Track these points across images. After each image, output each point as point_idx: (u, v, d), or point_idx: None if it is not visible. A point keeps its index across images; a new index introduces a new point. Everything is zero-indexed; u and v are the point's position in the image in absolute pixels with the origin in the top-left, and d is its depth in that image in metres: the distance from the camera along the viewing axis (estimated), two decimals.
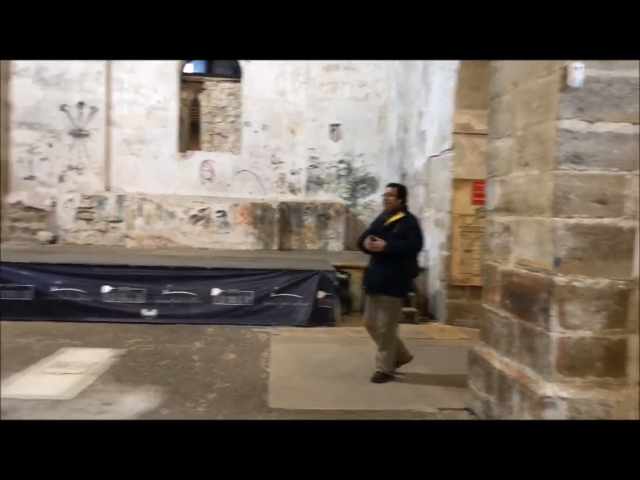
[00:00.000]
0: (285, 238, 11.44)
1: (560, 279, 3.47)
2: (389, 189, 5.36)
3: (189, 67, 13.06)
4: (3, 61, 11.34)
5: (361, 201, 12.10)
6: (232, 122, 12.76)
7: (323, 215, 11.55)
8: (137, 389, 4.77)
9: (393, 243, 5.08)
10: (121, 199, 11.43)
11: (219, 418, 4.18)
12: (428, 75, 8.97)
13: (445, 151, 8.10)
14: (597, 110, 3.48)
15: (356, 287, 8.18)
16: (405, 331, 7.45)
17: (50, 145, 11.65)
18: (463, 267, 7.92)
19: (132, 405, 4.38)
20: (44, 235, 11.55)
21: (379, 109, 12.07)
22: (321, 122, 12.06)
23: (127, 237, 11.28)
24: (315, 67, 11.89)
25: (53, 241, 11.55)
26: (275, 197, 11.94)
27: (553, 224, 3.50)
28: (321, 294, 7.52)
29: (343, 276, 8.21)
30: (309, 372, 5.46)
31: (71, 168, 11.73)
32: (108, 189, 11.85)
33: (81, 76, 11.62)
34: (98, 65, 11.59)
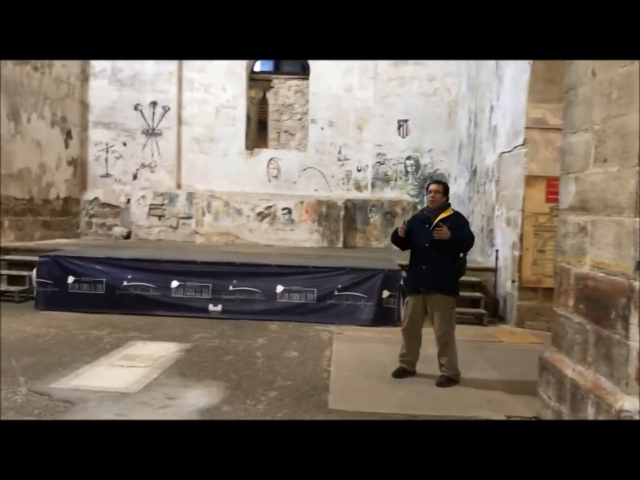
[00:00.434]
0: (349, 236, 11.38)
1: None
2: (436, 186, 5.22)
3: (257, 66, 13.20)
4: (81, 64, 11.84)
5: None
6: (299, 119, 12.80)
7: (389, 213, 11.41)
8: (199, 384, 4.83)
9: (457, 234, 4.96)
10: (190, 196, 11.71)
11: (279, 416, 4.16)
12: (500, 67, 8.64)
13: (517, 146, 7.78)
14: None
15: None
16: (473, 333, 7.25)
17: (124, 144, 12.09)
18: (536, 267, 7.58)
19: (194, 400, 4.42)
20: (118, 231, 12.01)
21: (449, 104, 11.78)
22: (389, 118, 11.90)
23: (197, 233, 11.55)
24: (383, 62, 11.73)
25: (127, 236, 12.00)
26: (341, 194, 11.88)
27: (633, 225, 3.23)
28: (386, 293, 7.40)
29: None
30: (372, 373, 5.35)
31: (143, 166, 12.12)
32: (179, 186, 12.16)
33: (154, 76, 11.98)
34: (170, 66, 11.90)
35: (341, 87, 11.97)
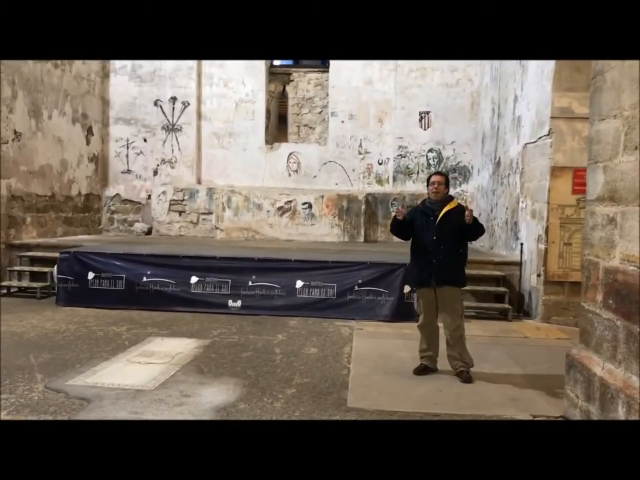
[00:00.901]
0: (371, 230, 11.24)
1: None
2: (439, 178, 5.12)
3: (277, 59, 13.09)
4: (102, 61, 11.88)
5: (451, 191, 11.60)
6: (319, 113, 12.67)
7: (411, 206, 11.20)
8: (216, 381, 4.76)
9: (478, 222, 5.03)
10: (210, 191, 11.69)
11: (296, 415, 4.06)
12: None
13: (542, 137, 7.55)
14: None
15: None
16: (497, 329, 7.08)
17: (145, 140, 12.11)
18: (562, 261, 7.36)
19: (210, 397, 4.35)
20: (139, 227, 12.04)
21: (471, 95, 11.55)
22: (410, 110, 11.71)
23: (217, 228, 11.51)
24: None
25: (148, 232, 12.03)
26: (362, 188, 11.75)
27: None
28: (407, 288, 7.24)
29: None
30: (392, 370, 5.23)
31: (164, 162, 12.13)
32: (199, 181, 12.15)
33: (173, 72, 11.97)
34: (189, 61, 11.86)
35: (361, 80, 11.81)
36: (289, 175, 12.03)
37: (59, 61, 10.44)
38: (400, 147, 11.75)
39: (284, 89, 12.89)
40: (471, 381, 4.93)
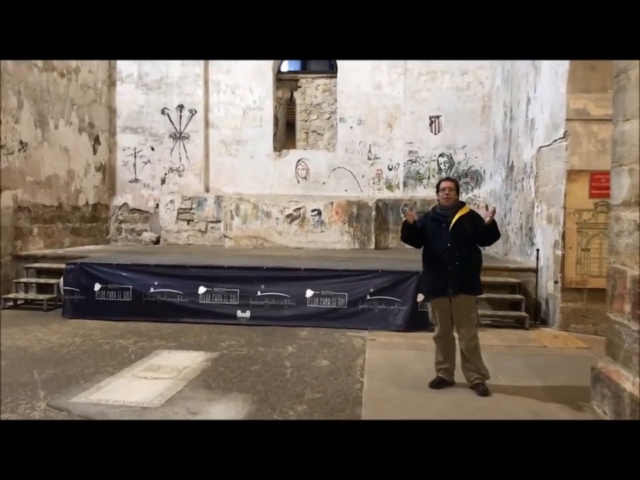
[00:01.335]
0: (381, 236, 11.05)
1: None
2: (450, 183, 4.96)
3: (284, 65, 12.97)
4: (109, 70, 11.82)
5: (463, 196, 11.41)
6: (327, 119, 12.53)
7: (423, 212, 11.01)
8: (224, 397, 4.58)
9: (496, 225, 4.89)
10: (219, 199, 11.56)
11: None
12: None
13: (557, 139, 7.35)
14: None
15: None
16: (514, 338, 6.87)
17: (152, 148, 12.01)
18: (580, 267, 7.14)
19: (218, 415, 4.18)
20: (147, 236, 11.92)
21: (483, 98, 11.36)
22: (420, 114, 11.53)
23: (225, 236, 11.37)
24: None
25: (156, 241, 11.91)
26: (372, 193, 11.57)
27: None
28: (421, 297, 7.03)
29: None
30: (407, 383, 5.03)
31: (172, 170, 12.01)
32: (207, 189, 12.02)
33: (180, 79, 11.87)
34: (196, 68, 11.77)
35: (369, 84, 11.66)
36: (298, 182, 11.88)
37: (64, 70, 10.37)
38: (410, 151, 11.57)
39: (292, 95, 12.76)
40: (488, 394, 4.73)
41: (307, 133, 12.67)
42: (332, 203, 11.04)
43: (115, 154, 12.08)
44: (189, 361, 5.66)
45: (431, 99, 11.48)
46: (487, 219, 4.70)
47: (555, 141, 7.44)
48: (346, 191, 11.67)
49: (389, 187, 11.65)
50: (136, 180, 12.10)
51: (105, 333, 6.82)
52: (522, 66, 9.02)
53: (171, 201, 11.79)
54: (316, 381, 5.06)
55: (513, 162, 9.46)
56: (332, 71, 12.34)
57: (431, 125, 11.51)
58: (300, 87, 12.70)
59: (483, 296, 6.42)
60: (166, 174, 12.04)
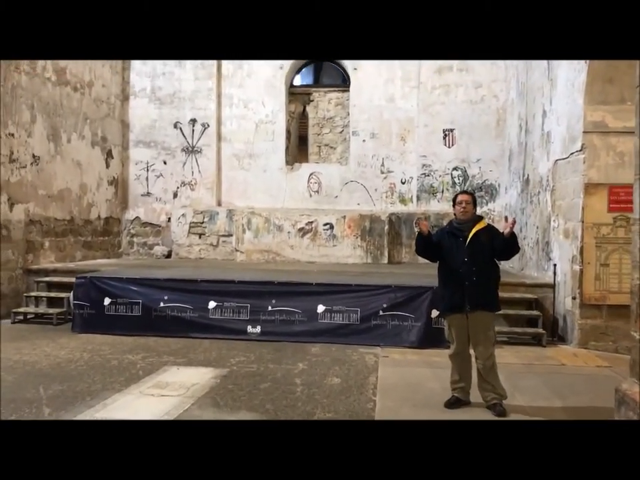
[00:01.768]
0: (394, 251, 10.92)
1: None
2: (467, 197, 4.81)
3: (297, 79, 12.94)
4: (122, 84, 11.87)
5: (478, 210, 11.23)
6: (340, 132, 12.47)
7: (437, 226, 10.84)
8: (232, 416, 4.45)
9: (516, 238, 4.72)
10: (230, 213, 11.50)
11: None
12: (552, 69, 8.08)
13: (574, 152, 7.19)
14: None
15: None
16: (532, 355, 6.68)
17: (164, 162, 12.00)
18: (599, 283, 6.95)
19: None
20: (159, 250, 11.88)
21: (497, 111, 11.24)
22: (434, 127, 11.43)
23: (237, 250, 11.29)
24: (426, 69, 11.32)
25: (168, 255, 11.85)
26: (384, 207, 11.45)
27: None
28: (435, 312, 6.87)
29: None
30: (421, 402, 4.87)
31: (184, 184, 11.99)
32: (219, 203, 11.97)
33: (193, 93, 11.88)
34: (209, 82, 11.78)
35: (382, 97, 11.59)
36: (310, 196, 11.79)
37: (78, 85, 10.41)
38: (424, 165, 11.45)
39: (304, 109, 12.73)
40: (506, 415, 4.56)
41: (320, 146, 12.61)
42: (344, 217, 10.94)
43: (127, 168, 12.10)
44: (198, 377, 5.54)
45: (444, 112, 11.38)
46: (506, 231, 4.56)
47: (572, 153, 7.29)
48: (358, 204, 11.56)
49: (402, 200, 11.53)
50: (148, 194, 12.09)
51: (114, 348, 6.73)
52: (537, 79, 8.90)
53: (183, 215, 11.76)
54: (327, 400, 4.92)
55: (528, 175, 9.30)
56: (344, 85, 12.30)
57: (444, 138, 11.40)
58: (312, 100, 12.66)
59: (499, 312, 6.25)
60: (178, 188, 12.02)
